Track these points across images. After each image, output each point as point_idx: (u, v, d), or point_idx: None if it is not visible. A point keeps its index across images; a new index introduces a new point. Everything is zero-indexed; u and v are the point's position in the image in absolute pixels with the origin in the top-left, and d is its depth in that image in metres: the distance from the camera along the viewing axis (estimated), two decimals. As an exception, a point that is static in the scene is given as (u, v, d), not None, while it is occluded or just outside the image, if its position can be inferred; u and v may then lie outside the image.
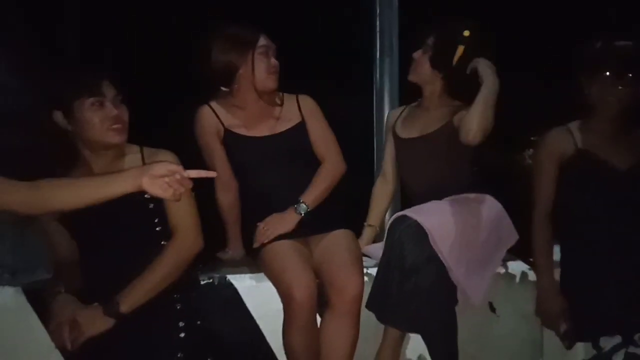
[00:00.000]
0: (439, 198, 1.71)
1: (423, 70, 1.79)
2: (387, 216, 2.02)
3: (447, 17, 1.88)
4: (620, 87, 1.61)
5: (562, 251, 1.73)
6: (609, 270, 1.61)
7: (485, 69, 1.67)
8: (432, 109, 1.83)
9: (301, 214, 1.63)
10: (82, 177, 1.21)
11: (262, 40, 1.69)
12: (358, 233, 1.87)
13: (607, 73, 1.61)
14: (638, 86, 1.62)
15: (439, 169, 1.76)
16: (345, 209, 1.78)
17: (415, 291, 1.54)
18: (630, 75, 1.61)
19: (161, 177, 1.06)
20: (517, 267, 1.79)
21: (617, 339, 1.56)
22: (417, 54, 1.81)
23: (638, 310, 1.57)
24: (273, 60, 1.70)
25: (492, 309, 1.74)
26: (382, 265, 1.61)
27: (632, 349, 1.53)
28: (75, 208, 1.10)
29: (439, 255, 1.55)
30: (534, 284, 1.73)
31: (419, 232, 1.55)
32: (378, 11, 2.67)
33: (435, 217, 1.60)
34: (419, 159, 1.81)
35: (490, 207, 1.72)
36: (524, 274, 1.78)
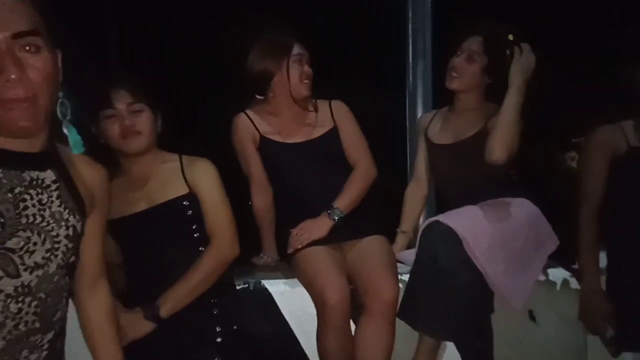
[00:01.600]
0: (475, 203, 1.68)
1: (470, 77, 1.75)
2: (420, 221, 2.01)
3: (483, 20, 1.85)
4: None
5: (609, 254, 1.66)
6: None
7: (515, 74, 1.63)
8: (466, 113, 1.80)
9: (335, 219, 1.64)
10: None
11: (297, 49, 1.72)
12: (391, 238, 1.86)
13: None
14: None
15: (474, 175, 1.73)
16: (378, 214, 1.78)
17: (449, 298, 1.51)
18: None
19: None
20: (558, 274, 1.74)
21: None
22: (459, 61, 1.76)
23: None
24: (307, 68, 1.72)
25: (532, 317, 1.70)
26: (415, 272, 1.59)
27: None
28: None
29: (474, 260, 1.53)
30: (575, 291, 1.68)
31: (453, 238, 1.53)
32: (410, 14, 2.66)
33: (469, 222, 1.57)
34: (454, 165, 1.79)
35: (526, 211, 1.68)
36: (565, 281, 1.72)
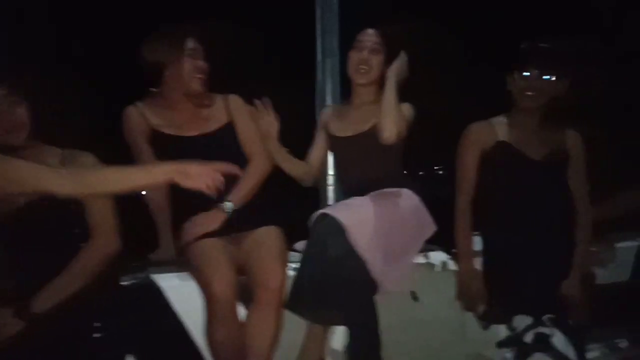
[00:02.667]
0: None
1: (377, 69, 1.83)
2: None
3: (388, 18, 1.96)
4: (537, 85, 1.73)
5: (483, 238, 1.83)
6: (524, 255, 1.72)
7: (392, 71, 1.75)
8: (365, 106, 1.88)
9: (227, 212, 1.68)
10: (122, 166, 1.33)
11: (190, 43, 1.73)
12: (290, 230, 1.91)
13: (526, 72, 1.73)
14: (553, 85, 1.74)
15: (373, 167, 1.83)
16: (274, 206, 1.84)
17: (336, 285, 1.60)
18: (546, 75, 1.73)
19: (196, 175, 1.22)
20: (438, 256, 1.88)
21: (529, 320, 1.66)
22: (365, 55, 1.83)
23: (548, 293, 1.68)
24: (200, 63, 1.73)
25: (415, 297, 1.83)
26: (304, 263, 1.66)
27: (541, 329, 1.64)
28: (115, 193, 1.30)
29: (357, 249, 1.62)
30: (454, 272, 1.83)
31: (338, 229, 1.61)
32: (319, 13, 2.75)
33: (355, 213, 1.66)
34: (354, 157, 1.87)
35: (409, 201, 1.81)
36: (444, 263, 1.87)
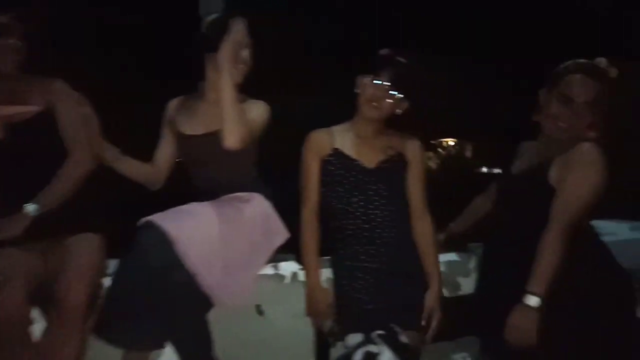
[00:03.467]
0: (221, 196, 1.62)
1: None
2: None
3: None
4: (382, 97, 1.63)
5: (331, 248, 1.70)
6: (359, 265, 1.62)
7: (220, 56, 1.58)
8: (215, 102, 1.70)
9: (31, 215, 1.44)
10: None
11: (1, 19, 1.48)
12: (118, 237, 1.68)
13: (376, 79, 1.62)
14: (398, 101, 1.64)
15: (224, 170, 1.67)
16: (99, 209, 1.62)
17: (157, 304, 1.41)
18: (394, 91, 1.63)
19: None
20: (288, 267, 1.73)
21: (359, 337, 1.54)
22: (245, 52, 1.65)
23: (379, 308, 1.58)
24: (12, 41, 1.51)
25: (260, 311, 1.67)
26: (119, 280, 1.45)
27: (369, 347, 1.51)
28: None
29: (186, 261, 1.44)
30: (304, 284, 1.69)
31: (163, 239, 1.42)
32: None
33: (186, 221, 1.48)
34: (203, 159, 1.69)
35: (257, 206, 1.65)
36: (294, 274, 1.73)
